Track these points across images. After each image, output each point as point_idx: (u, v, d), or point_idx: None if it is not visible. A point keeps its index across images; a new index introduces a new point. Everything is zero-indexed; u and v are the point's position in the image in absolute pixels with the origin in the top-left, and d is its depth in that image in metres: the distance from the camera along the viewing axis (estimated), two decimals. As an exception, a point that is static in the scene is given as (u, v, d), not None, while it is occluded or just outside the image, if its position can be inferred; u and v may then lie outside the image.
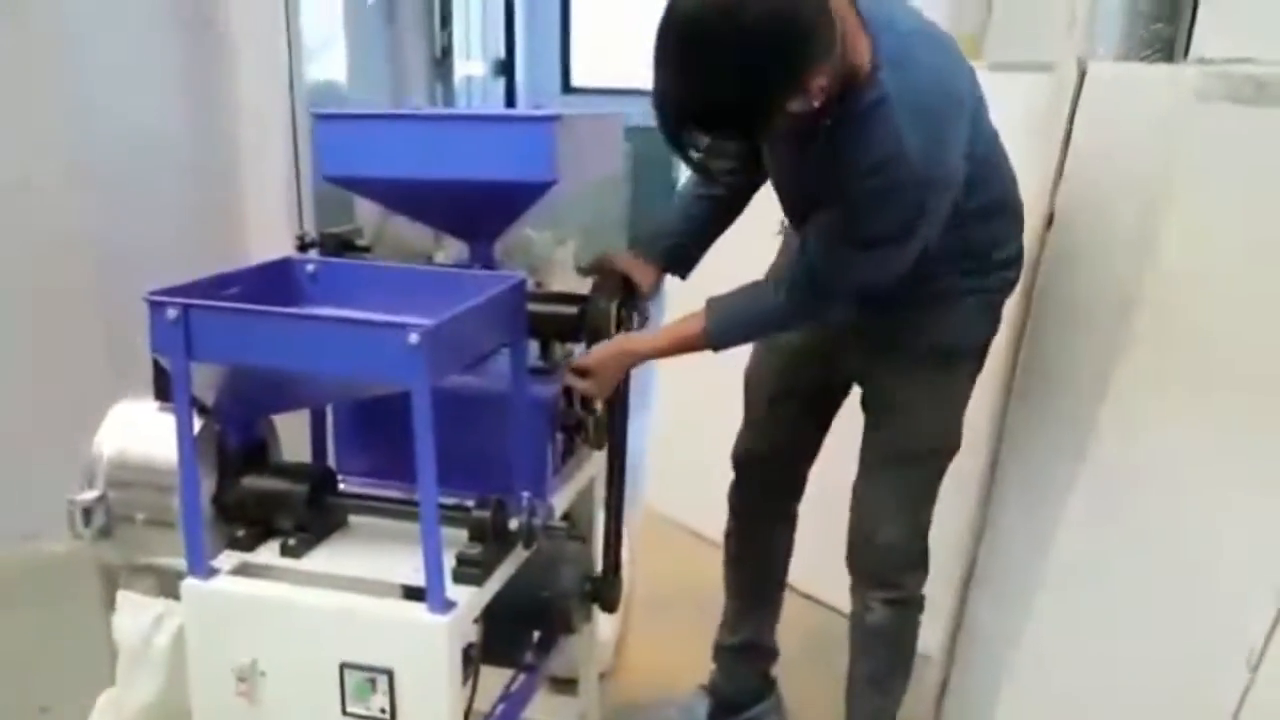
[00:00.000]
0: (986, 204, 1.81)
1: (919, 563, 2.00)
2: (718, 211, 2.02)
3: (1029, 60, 2.08)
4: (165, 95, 3.74)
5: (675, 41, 1.49)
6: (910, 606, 2.01)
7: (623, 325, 1.88)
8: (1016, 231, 1.89)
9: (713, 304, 1.84)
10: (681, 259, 2.03)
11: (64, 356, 3.10)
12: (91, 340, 3.03)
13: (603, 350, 1.80)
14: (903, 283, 1.76)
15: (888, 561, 1.98)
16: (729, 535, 2.30)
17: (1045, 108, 1.90)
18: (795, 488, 2.25)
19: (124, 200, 3.36)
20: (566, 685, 2.29)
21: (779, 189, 1.90)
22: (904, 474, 1.96)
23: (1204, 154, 1.32)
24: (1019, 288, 1.97)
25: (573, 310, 1.84)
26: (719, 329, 1.82)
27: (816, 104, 1.54)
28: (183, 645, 1.60)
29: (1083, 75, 1.83)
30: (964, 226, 1.77)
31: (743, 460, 2.23)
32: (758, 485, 2.24)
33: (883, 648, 2.04)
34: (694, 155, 1.64)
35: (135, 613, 1.67)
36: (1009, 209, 1.88)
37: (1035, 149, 1.97)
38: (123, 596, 1.69)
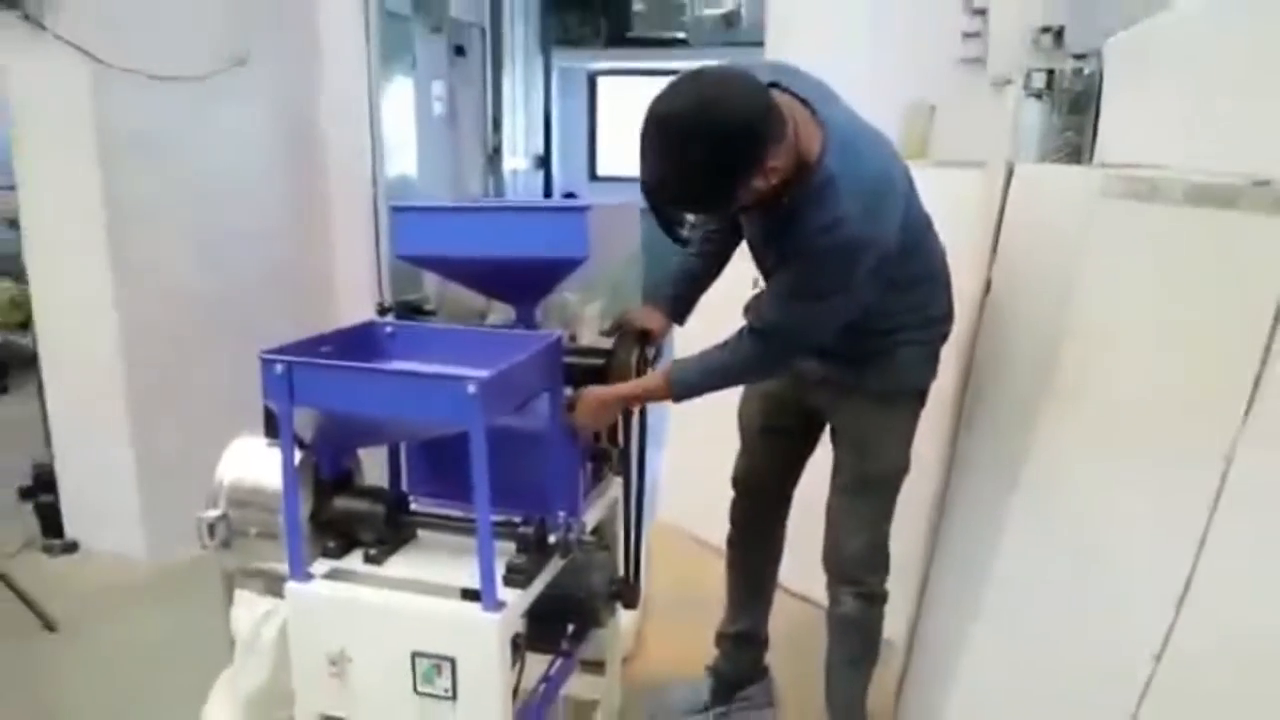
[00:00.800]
0: (919, 273, 1.83)
1: (880, 565, 1.99)
2: (707, 266, 2.04)
3: (965, 159, 2.10)
4: (274, 191, 3.83)
5: (654, 138, 1.51)
6: (875, 600, 2.00)
7: (641, 370, 1.89)
8: (946, 294, 1.91)
9: (676, 363, 1.84)
10: (679, 309, 2.04)
11: (194, 401, 3.13)
12: (216, 388, 3.06)
13: (581, 393, 1.77)
14: (856, 337, 1.77)
15: (853, 565, 1.97)
16: (730, 543, 2.29)
17: (980, 197, 1.92)
18: (783, 502, 2.24)
19: (240, 274, 3.42)
20: (595, 667, 2.28)
21: (753, 250, 1.89)
22: (864, 495, 1.95)
23: (1109, 238, 1.33)
24: (964, 341, 1.98)
25: (599, 361, 1.85)
26: (678, 382, 1.79)
27: (774, 181, 1.56)
28: (286, 636, 1.61)
29: (1010, 173, 1.85)
30: (902, 290, 1.78)
31: (739, 482, 2.24)
32: (752, 502, 2.24)
33: (853, 634, 2.03)
34: (679, 232, 1.68)
35: (248, 609, 1.69)
36: (938, 276, 1.89)
37: (973, 230, 1.98)
38: (239, 595, 1.71)
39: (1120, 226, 1.27)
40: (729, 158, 1.49)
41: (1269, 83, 1.10)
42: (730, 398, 2.12)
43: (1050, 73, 1.82)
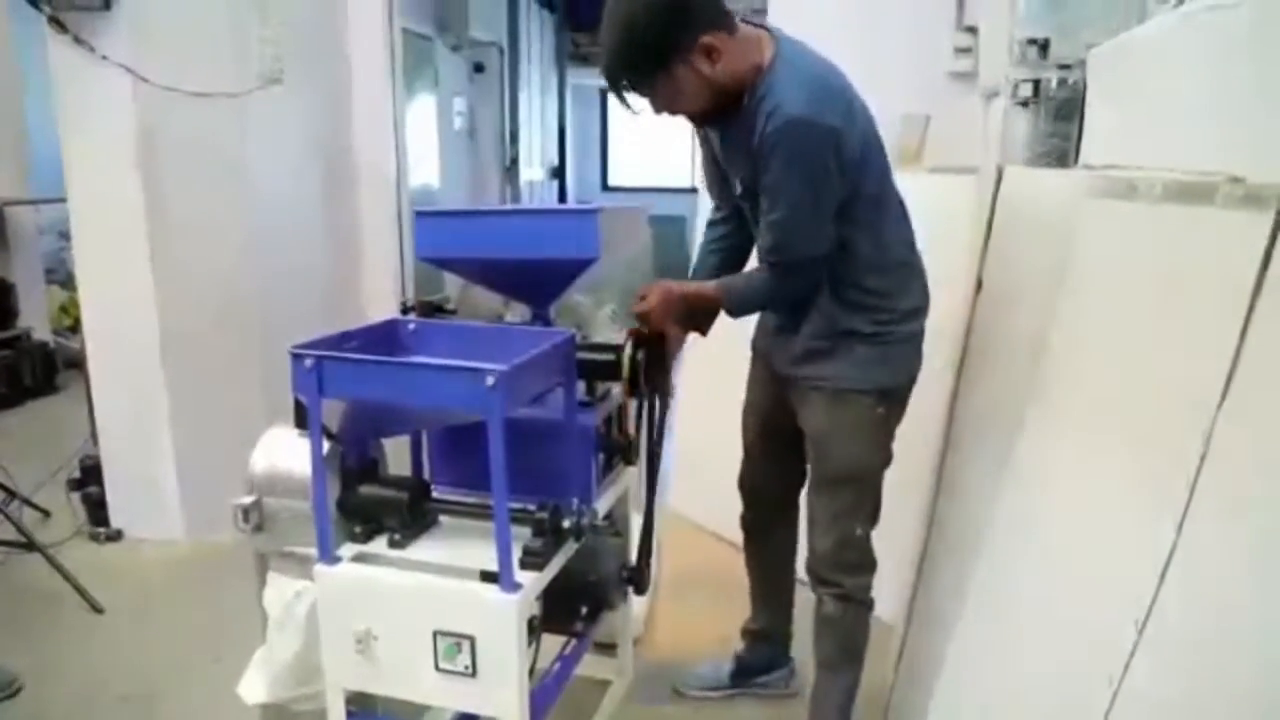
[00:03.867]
0: (893, 252, 1.79)
1: (854, 566, 1.87)
2: (722, 261, 2.02)
3: (958, 165, 2.10)
4: (308, 199, 3.86)
5: (607, 11, 1.62)
6: (852, 603, 1.88)
7: (638, 370, 1.84)
8: (919, 284, 1.83)
9: (726, 280, 1.88)
10: None
11: (230, 397, 3.15)
12: (251, 384, 3.08)
13: (653, 285, 1.79)
14: (818, 320, 1.78)
15: (824, 564, 1.88)
16: (745, 546, 2.24)
17: (972, 201, 1.91)
18: (788, 506, 2.15)
19: (274, 278, 3.45)
20: (607, 649, 2.28)
21: (729, 177, 1.87)
22: (828, 494, 1.87)
23: (1092, 235, 1.33)
24: (958, 335, 1.95)
25: (610, 357, 1.81)
26: (729, 292, 1.82)
27: (718, 67, 1.62)
28: (316, 615, 1.62)
29: (1000, 176, 1.84)
30: (864, 273, 1.76)
31: (743, 488, 2.18)
32: (757, 507, 2.18)
33: (828, 636, 1.93)
34: (630, 103, 1.71)
35: (281, 589, 1.70)
36: (913, 264, 1.83)
37: (966, 231, 1.98)
38: (271, 577, 1.72)
39: (1103, 224, 1.27)
40: (664, 23, 1.58)
41: (1239, 89, 1.10)
42: (735, 396, 2.11)
43: (1036, 83, 1.82)
